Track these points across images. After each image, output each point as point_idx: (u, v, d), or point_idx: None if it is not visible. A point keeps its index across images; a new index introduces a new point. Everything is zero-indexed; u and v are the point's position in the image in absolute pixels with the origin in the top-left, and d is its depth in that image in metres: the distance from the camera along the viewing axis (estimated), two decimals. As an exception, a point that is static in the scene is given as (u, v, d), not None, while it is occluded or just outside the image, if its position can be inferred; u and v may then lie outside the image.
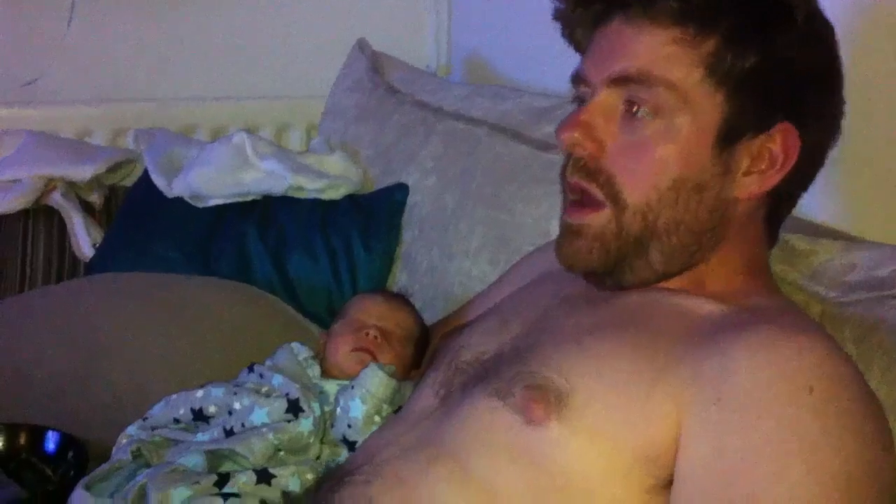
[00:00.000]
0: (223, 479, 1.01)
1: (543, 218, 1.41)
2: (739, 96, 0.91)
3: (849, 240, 1.13)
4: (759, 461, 0.80)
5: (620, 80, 0.93)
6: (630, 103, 0.93)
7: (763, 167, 0.93)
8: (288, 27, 2.19)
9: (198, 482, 1.00)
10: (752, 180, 0.93)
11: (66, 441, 1.20)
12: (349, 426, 1.08)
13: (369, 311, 1.24)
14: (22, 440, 1.20)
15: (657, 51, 0.92)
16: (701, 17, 0.91)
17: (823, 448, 0.79)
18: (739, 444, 0.81)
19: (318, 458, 1.09)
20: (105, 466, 1.09)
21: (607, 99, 0.94)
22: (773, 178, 0.93)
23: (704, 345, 0.87)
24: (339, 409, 1.10)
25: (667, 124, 0.92)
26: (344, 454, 1.09)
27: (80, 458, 1.16)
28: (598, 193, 0.93)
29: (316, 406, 1.10)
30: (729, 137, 0.92)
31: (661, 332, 0.90)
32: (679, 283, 0.96)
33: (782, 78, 0.92)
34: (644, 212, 0.92)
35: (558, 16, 1.01)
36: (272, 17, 2.19)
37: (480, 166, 1.58)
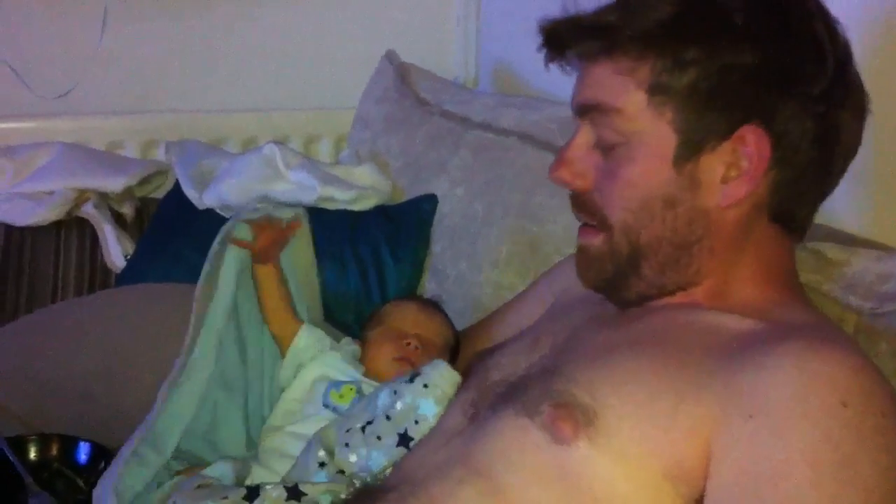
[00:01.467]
0: (252, 494, 1.00)
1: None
2: (688, 112, 0.93)
3: (881, 249, 1.12)
4: (793, 474, 0.79)
5: (583, 110, 0.98)
6: (598, 136, 0.98)
7: (741, 171, 0.93)
8: (317, 39, 2.20)
9: (226, 497, 0.99)
10: (731, 186, 0.94)
11: (98, 451, 1.21)
12: (416, 422, 1.07)
13: (406, 319, 1.24)
14: (54, 450, 1.22)
15: (605, 81, 0.96)
16: (633, 44, 0.94)
17: (858, 463, 0.79)
18: (773, 457, 0.80)
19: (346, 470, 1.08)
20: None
21: (585, 134, 0.99)
22: (752, 180, 0.93)
23: (735, 360, 0.86)
24: (401, 404, 1.08)
25: (626, 148, 0.96)
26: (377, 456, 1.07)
27: (111, 467, 1.17)
28: (591, 221, 0.99)
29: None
30: (687, 152, 0.94)
31: (690, 349, 0.90)
32: (698, 298, 0.97)
33: (732, 83, 0.92)
34: (626, 232, 0.96)
35: (546, 61, 1.03)
36: (302, 29, 2.20)
37: (509, 176, 1.58)
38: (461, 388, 1.07)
